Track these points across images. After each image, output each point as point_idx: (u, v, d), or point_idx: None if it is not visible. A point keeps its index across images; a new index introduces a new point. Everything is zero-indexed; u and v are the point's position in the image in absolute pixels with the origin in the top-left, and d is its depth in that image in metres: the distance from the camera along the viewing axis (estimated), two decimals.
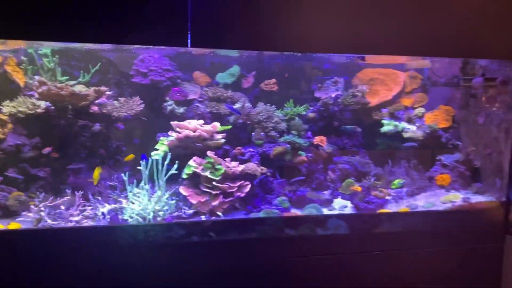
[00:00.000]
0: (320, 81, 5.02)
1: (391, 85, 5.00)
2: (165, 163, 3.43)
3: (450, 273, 3.78)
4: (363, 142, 4.76)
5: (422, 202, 3.90)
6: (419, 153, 4.32)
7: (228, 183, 3.55)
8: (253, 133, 4.15)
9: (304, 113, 4.59)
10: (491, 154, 3.77)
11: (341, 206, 3.88)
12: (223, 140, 3.87)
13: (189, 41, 2.83)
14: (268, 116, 4.27)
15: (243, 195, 3.55)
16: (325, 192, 3.75)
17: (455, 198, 3.89)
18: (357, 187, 4.06)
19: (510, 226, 3.80)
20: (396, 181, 4.26)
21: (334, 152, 4.54)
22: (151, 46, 3.42)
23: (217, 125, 3.89)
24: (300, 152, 4.13)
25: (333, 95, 4.75)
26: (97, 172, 2.76)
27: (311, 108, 4.70)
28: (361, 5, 2.87)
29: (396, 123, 4.48)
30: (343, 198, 3.67)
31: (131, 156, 3.56)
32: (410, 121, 4.57)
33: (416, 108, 4.73)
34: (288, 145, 4.06)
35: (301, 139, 4.28)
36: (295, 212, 3.65)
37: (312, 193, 4.02)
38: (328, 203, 3.94)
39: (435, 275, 3.75)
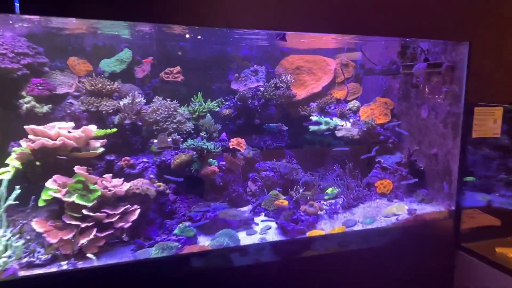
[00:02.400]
0: (238, 70, 4.12)
1: (320, 75, 4.23)
2: (4, 186, 2.34)
3: None
4: (290, 143, 3.95)
5: (361, 216, 3.15)
6: (355, 154, 3.58)
7: (106, 210, 2.53)
8: (154, 141, 3.14)
9: (217, 109, 3.67)
10: (437, 154, 3.07)
11: (264, 228, 3.02)
12: (101, 149, 2.82)
13: (16, 4, 1.87)
14: (168, 115, 3.28)
15: (128, 225, 2.56)
16: (245, 208, 2.85)
17: (399, 209, 3.19)
18: (283, 201, 3.23)
19: (461, 240, 3.18)
20: (329, 190, 3.49)
21: (256, 157, 3.67)
22: None
23: (92, 129, 2.83)
24: (210, 160, 3.20)
25: (252, 86, 3.87)
26: None
27: (226, 103, 3.79)
28: None
29: (327, 119, 3.71)
30: (266, 215, 2.83)
31: None
32: (343, 116, 3.82)
33: (350, 101, 4.00)
34: (194, 152, 3.12)
35: (213, 143, 3.35)
36: (202, 244, 2.72)
37: (226, 212, 3.12)
38: (247, 224, 3.06)
39: None
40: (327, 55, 4.32)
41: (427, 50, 3.45)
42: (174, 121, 3.31)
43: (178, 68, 3.77)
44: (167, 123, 3.26)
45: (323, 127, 3.64)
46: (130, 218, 2.62)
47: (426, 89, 3.43)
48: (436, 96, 3.35)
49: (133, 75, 3.57)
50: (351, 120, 3.78)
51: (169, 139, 3.23)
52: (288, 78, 3.85)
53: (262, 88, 3.72)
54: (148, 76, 3.66)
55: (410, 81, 3.50)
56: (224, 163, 3.26)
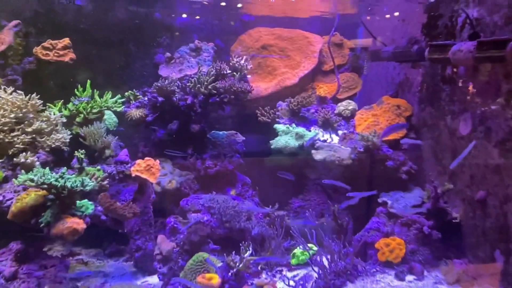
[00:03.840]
0: (170, 47, 2.66)
1: (298, 59, 2.78)
2: None
3: None
4: (247, 162, 2.53)
5: None
6: (345, 186, 2.14)
7: None
8: None
9: (119, 108, 2.22)
10: (486, 199, 1.49)
11: None
12: None
13: None
14: (16, 119, 1.85)
15: None
16: (149, 280, 1.82)
17: None
18: (211, 277, 1.80)
19: None
20: (298, 252, 2.06)
21: (184, 188, 2.25)
22: None
23: None
24: (81, 203, 1.76)
25: (191, 73, 2.42)
26: None
27: (136, 101, 2.33)
28: None
29: (301, 129, 2.26)
30: None
31: None
32: (328, 125, 2.36)
33: (342, 101, 2.53)
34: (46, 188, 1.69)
35: (100, 167, 1.92)
36: None
37: None
38: None
39: None
40: (313, 29, 2.85)
41: (477, 20, 1.98)
42: (28, 129, 1.86)
43: (65, 41, 2.31)
44: (13, 133, 1.81)
45: (291, 142, 2.19)
46: None
47: (471, 87, 1.97)
48: (490, 101, 1.89)
49: None
50: (340, 133, 2.32)
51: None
52: (242, 62, 2.38)
53: (193, 78, 2.25)
54: (14, 52, 2.22)
55: (442, 73, 2.02)
56: (100, 209, 1.82)
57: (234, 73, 2.46)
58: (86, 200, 1.86)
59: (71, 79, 2.35)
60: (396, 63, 2.56)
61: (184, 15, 2.78)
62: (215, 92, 2.30)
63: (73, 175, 1.92)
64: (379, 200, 2.26)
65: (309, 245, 2.08)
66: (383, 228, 2.15)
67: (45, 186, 1.67)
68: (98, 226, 2.09)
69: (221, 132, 2.69)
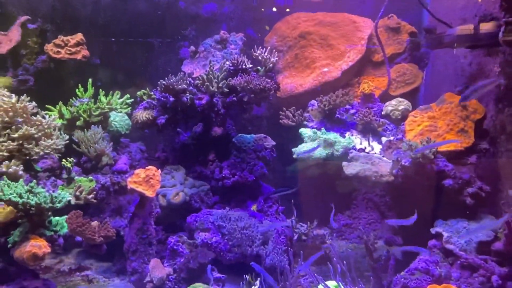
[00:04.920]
0: (196, 40, 2.39)
1: (342, 48, 2.28)
2: None
3: None
4: (275, 175, 2.16)
5: None
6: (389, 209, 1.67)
7: None
8: None
9: (126, 110, 1.98)
10: None
11: None
12: None
13: None
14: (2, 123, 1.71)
15: None
16: None
17: None
18: None
19: None
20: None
21: (194, 201, 1.96)
22: None
23: None
24: (57, 220, 1.55)
25: (213, 67, 2.11)
26: None
27: (144, 101, 2.08)
28: None
29: (333, 135, 1.81)
30: None
31: None
32: (368, 129, 1.87)
33: (393, 99, 2.03)
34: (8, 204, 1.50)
35: (91, 176, 1.70)
36: None
37: None
38: None
39: None
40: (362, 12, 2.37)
41: None
42: (14, 135, 1.70)
43: (78, 37, 2.15)
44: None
45: (317, 153, 1.75)
46: None
47: None
48: None
49: None
50: (384, 140, 1.82)
51: None
52: (266, 54, 1.99)
53: (203, 74, 1.92)
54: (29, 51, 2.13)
55: None
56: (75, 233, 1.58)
57: (259, 67, 2.08)
58: (65, 216, 1.64)
59: (89, 78, 2.17)
60: (467, 49, 1.96)
61: (211, 3, 2.46)
62: (228, 90, 1.94)
63: (60, 187, 1.72)
64: (432, 231, 1.71)
65: (331, 283, 1.64)
66: (433, 270, 1.62)
67: (8, 202, 1.47)
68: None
69: (248, 136, 2.33)
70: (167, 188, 2.06)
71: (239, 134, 2.37)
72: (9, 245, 1.55)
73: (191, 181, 2.14)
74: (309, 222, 2.19)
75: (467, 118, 1.81)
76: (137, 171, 1.90)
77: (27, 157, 1.79)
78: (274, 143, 2.32)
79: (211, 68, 1.94)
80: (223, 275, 1.84)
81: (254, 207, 2.17)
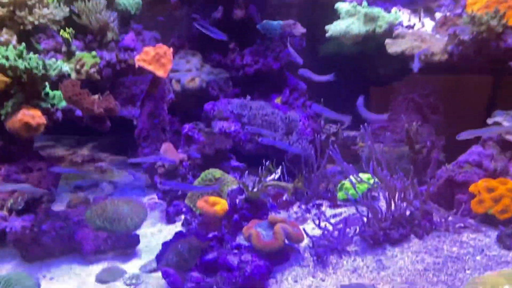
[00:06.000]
0: None
1: None
2: None
3: None
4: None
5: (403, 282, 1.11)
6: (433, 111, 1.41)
7: None
8: None
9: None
10: None
11: (145, 267, 1.19)
12: None
13: None
14: None
15: None
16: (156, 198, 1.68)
17: None
18: (216, 201, 1.30)
19: None
20: (348, 184, 1.44)
21: (211, 89, 1.76)
22: None
23: None
24: (53, 94, 1.36)
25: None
26: None
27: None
28: None
29: (375, 10, 1.50)
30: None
31: None
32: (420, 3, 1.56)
33: None
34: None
35: (94, 52, 1.50)
36: None
37: None
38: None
39: None
40: None
41: None
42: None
43: None
44: None
45: (355, 27, 1.47)
46: None
47: None
48: None
49: None
50: (438, 16, 1.51)
51: None
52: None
53: None
54: None
55: None
56: None
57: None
58: None
59: None
60: None
61: None
62: None
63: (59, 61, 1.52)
64: (489, 121, 1.45)
65: (365, 175, 1.43)
66: (487, 163, 1.38)
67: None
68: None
69: (275, 22, 2.04)
70: (181, 72, 1.84)
71: (264, 20, 2.09)
72: (2, 117, 1.39)
73: (209, 68, 1.91)
74: (338, 123, 1.96)
75: None
76: (146, 48, 1.66)
77: (21, 27, 1.58)
78: (304, 30, 2.03)
79: None
80: (242, 164, 1.66)
81: (278, 99, 1.94)
